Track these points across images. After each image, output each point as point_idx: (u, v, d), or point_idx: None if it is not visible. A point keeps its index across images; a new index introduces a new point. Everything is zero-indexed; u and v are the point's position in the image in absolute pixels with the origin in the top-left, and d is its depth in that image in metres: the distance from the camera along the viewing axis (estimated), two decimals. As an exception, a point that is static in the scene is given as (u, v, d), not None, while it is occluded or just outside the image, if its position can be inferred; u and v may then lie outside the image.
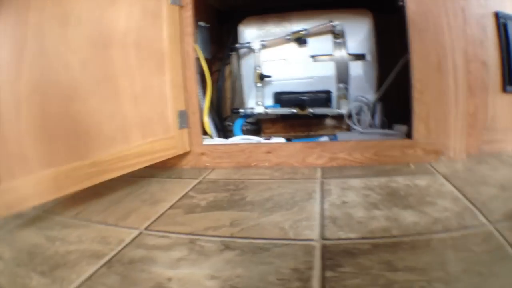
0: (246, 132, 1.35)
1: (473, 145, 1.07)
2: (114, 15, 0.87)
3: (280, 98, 1.29)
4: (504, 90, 1.08)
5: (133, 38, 0.90)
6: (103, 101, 0.84)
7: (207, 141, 1.11)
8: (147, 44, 0.93)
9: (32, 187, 0.72)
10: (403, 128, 1.18)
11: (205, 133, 1.15)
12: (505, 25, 1.04)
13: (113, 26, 0.87)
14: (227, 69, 1.42)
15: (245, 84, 1.32)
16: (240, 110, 1.28)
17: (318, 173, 0.98)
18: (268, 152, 1.04)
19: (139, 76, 0.92)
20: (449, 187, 0.83)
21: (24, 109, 0.72)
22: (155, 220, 0.74)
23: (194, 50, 1.04)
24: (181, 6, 1.02)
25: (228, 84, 1.56)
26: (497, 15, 1.05)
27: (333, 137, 1.24)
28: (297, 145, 1.03)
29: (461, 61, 0.99)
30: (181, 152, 1.05)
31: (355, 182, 0.89)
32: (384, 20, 1.33)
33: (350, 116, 1.26)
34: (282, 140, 1.09)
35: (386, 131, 1.19)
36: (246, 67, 1.30)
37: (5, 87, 0.69)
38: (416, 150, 1.01)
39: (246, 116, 1.31)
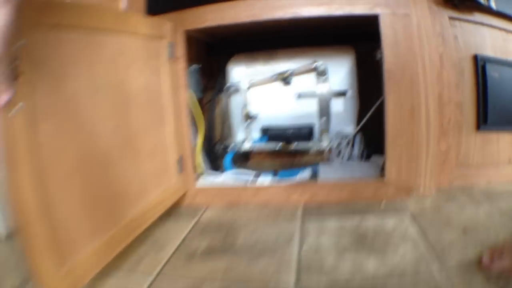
0: (235, 160, 1.56)
1: (445, 180, 1.26)
2: (131, 77, 0.98)
3: (267, 132, 1.49)
4: (478, 128, 1.26)
5: (145, 96, 1.03)
6: (129, 162, 0.96)
7: (200, 181, 1.31)
8: (154, 100, 1.09)
9: (88, 261, 0.78)
10: (380, 159, 1.39)
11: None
12: (483, 67, 1.21)
13: (130, 88, 0.97)
14: (217, 100, 1.61)
15: (234, 120, 1.51)
16: (229, 147, 1.48)
17: (299, 212, 1.18)
18: (255, 193, 1.25)
19: (151, 131, 1.07)
20: (413, 230, 1.00)
21: (73, 180, 0.76)
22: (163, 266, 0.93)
23: (187, 100, 1.22)
24: (176, 58, 1.20)
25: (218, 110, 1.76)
26: (476, 58, 1.22)
27: (315, 167, 1.44)
28: (281, 186, 1.24)
29: (435, 106, 1.16)
30: (181, 194, 1.24)
31: (331, 223, 1.09)
32: (363, 51, 1.50)
33: (331, 148, 1.45)
34: (268, 179, 1.30)
35: (363, 163, 1.39)
36: (235, 104, 1.50)
37: (54, 162, 0.71)
38: (388, 188, 1.21)
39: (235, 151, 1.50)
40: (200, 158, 1.37)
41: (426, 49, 1.13)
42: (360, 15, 1.13)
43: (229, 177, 1.36)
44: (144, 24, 1.05)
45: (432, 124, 1.17)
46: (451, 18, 1.18)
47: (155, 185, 1.10)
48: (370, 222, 1.08)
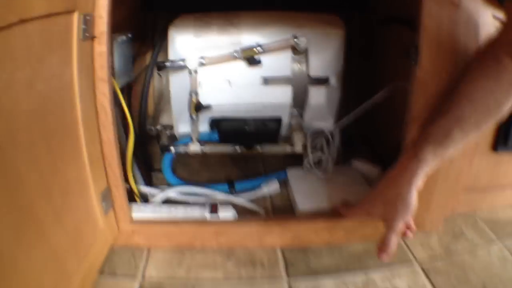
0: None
1: (450, 208, 1.07)
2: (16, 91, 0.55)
3: (218, 125, 1.15)
4: (495, 149, 1.06)
5: (40, 113, 0.62)
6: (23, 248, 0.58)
7: (136, 212, 0.95)
8: (57, 113, 0.67)
9: None
10: (364, 166, 1.15)
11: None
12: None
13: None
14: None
15: (175, 107, 1.13)
16: (171, 147, 1.12)
17: (281, 266, 0.91)
18: (217, 232, 0.94)
19: (54, 175, 0.67)
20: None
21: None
22: None
23: (111, 99, 0.82)
24: (93, 38, 0.75)
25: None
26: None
27: (283, 174, 1.17)
28: (252, 225, 0.93)
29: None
30: (112, 241, 0.90)
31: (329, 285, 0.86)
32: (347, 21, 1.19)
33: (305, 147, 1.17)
34: (231, 213, 0.98)
35: (348, 175, 1.14)
36: (177, 86, 1.10)
37: None
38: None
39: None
40: (131, 174, 1.00)
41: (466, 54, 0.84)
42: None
43: (175, 209, 0.99)
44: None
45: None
46: (494, 17, 0.90)
47: (75, 256, 0.74)
48: (378, 283, 0.87)
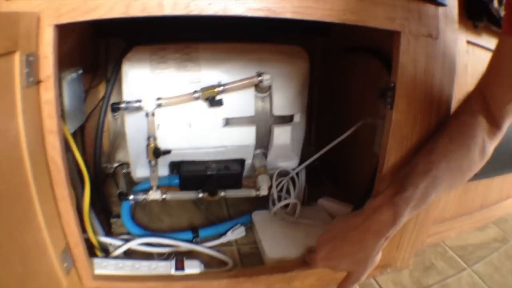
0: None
1: (420, 242, 1.06)
2: None
3: (179, 169, 1.09)
4: None
5: None
6: None
7: (98, 268, 0.87)
8: (6, 175, 0.60)
9: None
10: (338, 208, 1.12)
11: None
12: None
13: None
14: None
15: (132, 150, 1.05)
16: (130, 196, 1.04)
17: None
18: (186, 289, 0.88)
19: (12, 243, 0.62)
20: None
21: None
22: None
23: (63, 152, 0.74)
24: (39, 83, 0.67)
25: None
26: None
27: (246, 219, 1.13)
28: (221, 280, 0.88)
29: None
30: None
31: None
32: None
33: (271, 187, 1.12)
34: (198, 270, 0.93)
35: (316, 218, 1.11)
36: (133, 129, 1.02)
37: None
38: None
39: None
40: (89, 226, 0.92)
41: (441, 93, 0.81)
42: (372, 28, 0.73)
43: (139, 264, 0.92)
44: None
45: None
46: (468, 42, 0.90)
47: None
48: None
